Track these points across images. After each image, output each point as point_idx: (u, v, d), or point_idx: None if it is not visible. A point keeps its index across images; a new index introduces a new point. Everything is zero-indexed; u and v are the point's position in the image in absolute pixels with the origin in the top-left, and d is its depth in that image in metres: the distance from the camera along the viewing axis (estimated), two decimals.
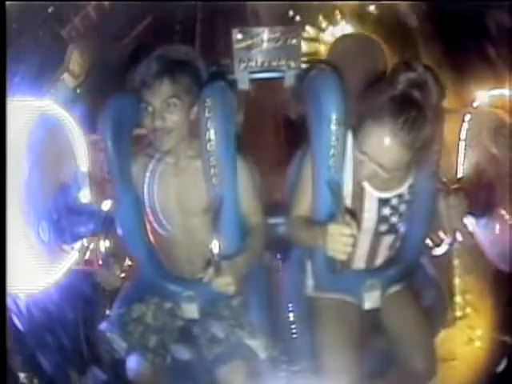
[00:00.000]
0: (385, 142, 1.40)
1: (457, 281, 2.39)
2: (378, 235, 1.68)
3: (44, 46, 2.09)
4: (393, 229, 1.68)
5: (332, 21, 2.99)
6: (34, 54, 1.96)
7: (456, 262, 2.38)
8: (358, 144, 1.48)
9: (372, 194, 1.63)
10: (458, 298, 2.35)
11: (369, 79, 1.61)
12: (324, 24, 2.98)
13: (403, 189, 1.65)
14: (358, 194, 1.63)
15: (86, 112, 1.90)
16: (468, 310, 2.33)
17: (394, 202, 1.65)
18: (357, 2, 2.84)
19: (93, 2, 2.32)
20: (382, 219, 1.66)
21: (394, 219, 1.67)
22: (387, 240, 1.71)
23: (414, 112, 1.38)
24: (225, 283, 1.53)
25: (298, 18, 2.23)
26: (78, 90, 2.15)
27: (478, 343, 2.20)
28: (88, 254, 1.86)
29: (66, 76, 2.23)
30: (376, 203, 1.64)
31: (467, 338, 2.23)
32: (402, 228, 1.70)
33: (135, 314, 1.76)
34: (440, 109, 1.45)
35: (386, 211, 1.65)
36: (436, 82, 1.40)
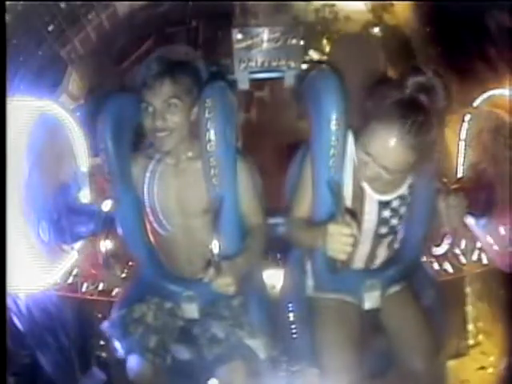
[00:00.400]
0: (391, 144, 1.41)
1: (469, 308, 2.39)
2: (378, 237, 1.68)
3: (43, 65, 2.09)
4: (392, 231, 1.68)
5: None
6: (32, 72, 1.96)
7: (468, 289, 2.39)
8: (363, 145, 1.49)
9: (372, 197, 1.63)
10: (470, 326, 2.35)
11: (370, 79, 1.60)
12: (327, 48, 2.99)
13: (403, 190, 1.65)
14: (359, 196, 1.63)
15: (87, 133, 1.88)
16: (480, 337, 2.32)
17: (395, 204, 1.65)
18: (361, 24, 2.84)
19: (93, 23, 2.32)
20: (382, 221, 1.65)
21: (395, 221, 1.67)
22: (387, 241, 1.71)
23: (421, 116, 1.39)
24: (225, 284, 1.52)
25: (301, 42, 2.23)
26: (78, 114, 2.15)
27: (490, 370, 2.19)
28: (71, 278, 1.87)
29: (64, 97, 2.22)
30: (376, 206, 1.64)
31: (480, 365, 2.23)
32: (401, 230, 1.70)
33: (136, 314, 1.76)
34: (445, 113, 1.45)
35: (386, 213, 1.65)
36: (444, 88, 1.41)
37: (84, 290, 1.99)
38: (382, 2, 2.81)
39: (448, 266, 2.26)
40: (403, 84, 1.42)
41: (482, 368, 2.21)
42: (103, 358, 1.97)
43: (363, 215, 1.64)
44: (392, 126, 1.40)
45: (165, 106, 1.59)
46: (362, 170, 1.53)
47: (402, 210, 1.66)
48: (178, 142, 1.64)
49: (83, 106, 2.29)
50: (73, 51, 2.27)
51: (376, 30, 2.83)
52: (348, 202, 1.62)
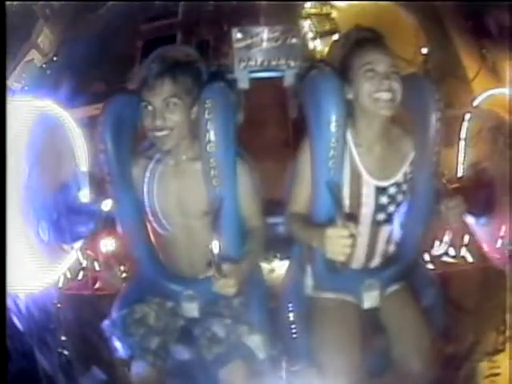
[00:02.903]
0: (372, 49, 1.58)
1: (507, 294, 2.31)
2: (376, 225, 1.69)
3: (14, 21, 2.02)
4: (390, 218, 1.69)
5: None
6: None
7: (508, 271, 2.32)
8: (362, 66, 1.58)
9: (369, 182, 1.64)
10: (507, 316, 2.22)
11: None
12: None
13: (399, 177, 1.67)
14: (356, 181, 1.64)
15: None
16: None
17: (392, 191, 1.67)
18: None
19: None
20: (379, 208, 1.67)
21: (392, 208, 1.68)
22: (385, 232, 1.71)
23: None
24: (227, 286, 1.52)
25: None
26: (48, 72, 2.10)
27: None
28: (81, 274, 1.86)
29: (34, 53, 2.16)
30: (373, 191, 1.65)
31: None
32: (399, 220, 1.71)
33: (137, 314, 1.76)
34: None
35: (384, 200, 1.66)
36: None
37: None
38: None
39: (467, 254, 2.20)
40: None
41: None
42: (103, 358, 1.96)
43: (361, 199, 1.65)
44: (364, 44, 1.60)
45: (164, 105, 1.59)
46: (378, 107, 1.56)
47: (399, 197, 1.68)
48: (178, 141, 1.64)
49: (55, 61, 2.23)
50: (47, 7, 2.21)
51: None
52: (346, 187, 1.64)
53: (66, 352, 1.97)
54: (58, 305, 1.96)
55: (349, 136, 1.62)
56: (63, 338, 1.98)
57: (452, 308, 1.90)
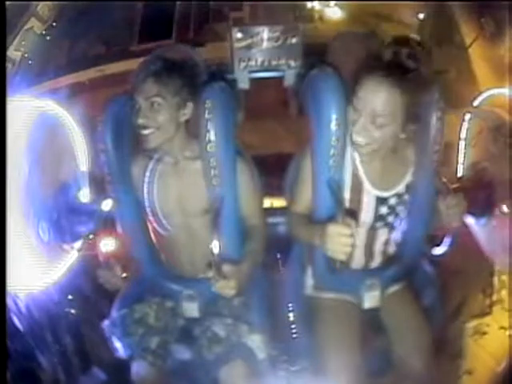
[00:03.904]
0: (375, 84, 1.47)
1: None
2: (373, 230, 1.69)
3: None
4: (388, 226, 1.70)
5: None
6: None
7: None
8: (353, 99, 1.51)
9: (370, 192, 1.63)
10: (495, 279, 2.22)
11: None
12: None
13: (401, 188, 1.66)
14: (357, 188, 1.63)
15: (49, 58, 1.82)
16: (503, 292, 2.20)
17: (392, 201, 1.66)
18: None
19: None
20: (378, 218, 1.67)
21: (391, 218, 1.68)
22: (383, 235, 1.71)
23: (401, 68, 1.47)
24: (227, 288, 1.52)
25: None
26: (48, 38, 2.09)
27: (509, 331, 2.07)
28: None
29: (33, 21, 2.16)
30: (374, 201, 1.64)
31: (500, 324, 2.12)
32: (398, 227, 1.70)
33: (137, 314, 1.76)
34: (425, 78, 1.50)
35: (384, 210, 1.66)
36: (426, 56, 1.53)
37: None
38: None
39: None
40: (389, 49, 1.52)
41: (502, 328, 2.10)
42: (103, 358, 1.96)
43: (361, 207, 1.65)
44: (375, 72, 1.47)
45: (148, 105, 1.60)
46: (354, 134, 1.53)
47: (399, 208, 1.67)
48: (164, 141, 1.64)
49: (54, 27, 2.23)
50: None
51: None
52: (347, 194, 1.63)
53: (66, 352, 1.97)
54: (59, 305, 1.96)
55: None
56: (63, 337, 1.98)
57: (439, 268, 1.90)
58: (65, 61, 1.87)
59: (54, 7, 2.22)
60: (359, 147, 1.54)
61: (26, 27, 2.11)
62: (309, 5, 4.20)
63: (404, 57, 1.48)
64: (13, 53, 1.99)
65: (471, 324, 1.87)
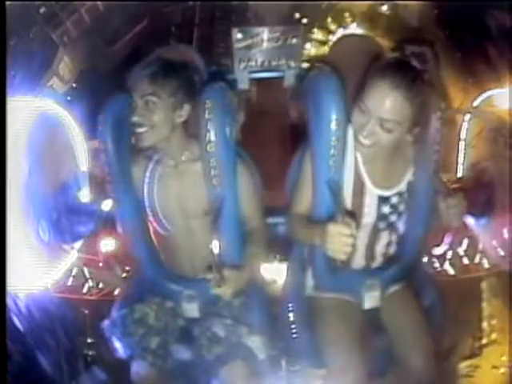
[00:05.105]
0: (385, 92, 1.45)
1: (484, 305, 2.36)
2: (375, 231, 1.69)
3: (33, 48, 2.07)
4: (391, 226, 1.69)
5: (341, 23, 2.97)
6: (22, 56, 1.94)
7: (484, 284, 2.35)
8: (361, 103, 1.50)
9: (372, 192, 1.63)
10: (484, 324, 2.32)
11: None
12: (333, 26, 2.96)
13: (402, 186, 1.66)
14: (359, 190, 1.63)
15: (82, 117, 1.88)
16: (494, 335, 2.30)
17: (394, 200, 1.66)
18: (366, 3, 2.84)
19: (87, 3, 2.29)
20: (381, 217, 1.66)
21: (393, 218, 1.67)
22: (385, 237, 1.71)
23: (412, 73, 1.47)
24: (225, 293, 1.52)
25: (304, 20, 2.21)
26: (69, 98, 2.13)
27: (502, 369, 2.17)
28: (71, 279, 1.87)
29: (54, 80, 2.20)
30: (376, 201, 1.64)
31: (492, 364, 2.20)
32: (400, 226, 1.71)
33: (137, 314, 1.75)
34: (435, 79, 1.50)
35: (386, 209, 1.66)
36: (434, 56, 1.51)
37: (85, 291, 1.98)
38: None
39: (448, 267, 2.25)
40: (398, 50, 1.53)
41: (495, 367, 2.18)
42: (103, 358, 1.96)
43: (363, 209, 1.64)
44: (386, 78, 1.45)
45: (143, 103, 1.60)
46: (359, 136, 1.53)
47: (401, 207, 1.67)
48: (159, 141, 1.64)
49: (75, 89, 2.27)
50: (65, 34, 2.24)
51: (384, 8, 2.82)
52: (348, 197, 1.63)
53: (66, 352, 1.97)
54: (58, 305, 1.96)
55: (355, 142, 1.60)
56: (63, 338, 1.98)
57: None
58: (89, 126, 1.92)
59: (74, 69, 2.26)
60: (363, 148, 1.54)
61: (47, 85, 2.14)
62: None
63: (412, 58, 1.49)
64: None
65: (462, 365, 1.91)
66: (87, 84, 2.30)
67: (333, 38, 2.96)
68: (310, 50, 3.03)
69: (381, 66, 1.51)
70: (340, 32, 3.00)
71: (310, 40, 2.84)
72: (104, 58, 2.47)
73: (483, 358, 2.23)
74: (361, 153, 1.59)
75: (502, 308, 2.30)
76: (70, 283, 1.93)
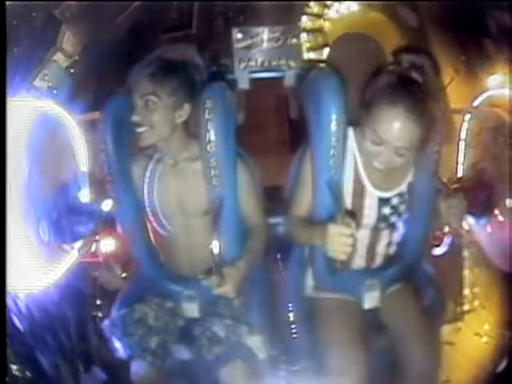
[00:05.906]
0: (399, 121, 1.44)
1: (466, 272, 2.37)
2: (376, 232, 1.69)
3: (37, 26, 2.06)
4: (391, 227, 1.69)
5: None
6: (26, 34, 1.93)
7: (466, 253, 2.36)
8: (373, 133, 1.49)
9: (372, 194, 1.63)
10: (466, 291, 2.33)
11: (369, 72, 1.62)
12: (329, 1, 2.98)
13: (403, 187, 1.66)
14: (359, 192, 1.63)
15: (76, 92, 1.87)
16: (476, 303, 2.30)
17: (395, 201, 1.66)
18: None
19: None
20: (381, 218, 1.66)
21: (394, 218, 1.68)
22: (385, 237, 1.71)
23: (417, 92, 1.47)
24: (227, 291, 1.52)
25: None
26: (72, 70, 2.13)
27: (484, 338, 2.17)
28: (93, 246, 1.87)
29: (58, 55, 2.20)
30: (376, 202, 1.64)
31: (474, 331, 2.20)
32: (400, 227, 1.71)
33: (137, 314, 1.75)
34: (435, 86, 1.52)
35: (386, 211, 1.66)
36: (432, 64, 1.53)
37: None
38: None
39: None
40: (396, 63, 1.52)
41: (477, 334, 2.18)
42: (103, 357, 1.96)
43: (363, 210, 1.65)
44: (395, 105, 1.44)
45: (143, 103, 1.60)
46: (373, 161, 1.53)
47: (402, 208, 1.67)
48: (158, 140, 1.64)
49: (78, 62, 2.27)
50: (67, 10, 2.24)
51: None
52: (348, 199, 1.63)
53: (65, 352, 1.97)
54: (58, 305, 1.96)
55: (354, 144, 1.61)
56: (63, 337, 1.98)
57: None
58: (93, 98, 1.91)
59: (76, 42, 2.27)
60: (375, 171, 1.56)
61: (51, 60, 2.15)
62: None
63: (411, 71, 1.50)
64: (38, 82, 2.03)
65: (444, 330, 1.92)
66: (90, 56, 2.30)
67: (328, 12, 2.99)
68: (306, 23, 3.03)
69: (385, 86, 1.50)
70: (335, 6, 3.01)
71: (306, 13, 2.84)
72: (106, 31, 2.48)
73: (465, 323, 2.24)
74: (363, 159, 1.60)
75: (485, 277, 2.30)
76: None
